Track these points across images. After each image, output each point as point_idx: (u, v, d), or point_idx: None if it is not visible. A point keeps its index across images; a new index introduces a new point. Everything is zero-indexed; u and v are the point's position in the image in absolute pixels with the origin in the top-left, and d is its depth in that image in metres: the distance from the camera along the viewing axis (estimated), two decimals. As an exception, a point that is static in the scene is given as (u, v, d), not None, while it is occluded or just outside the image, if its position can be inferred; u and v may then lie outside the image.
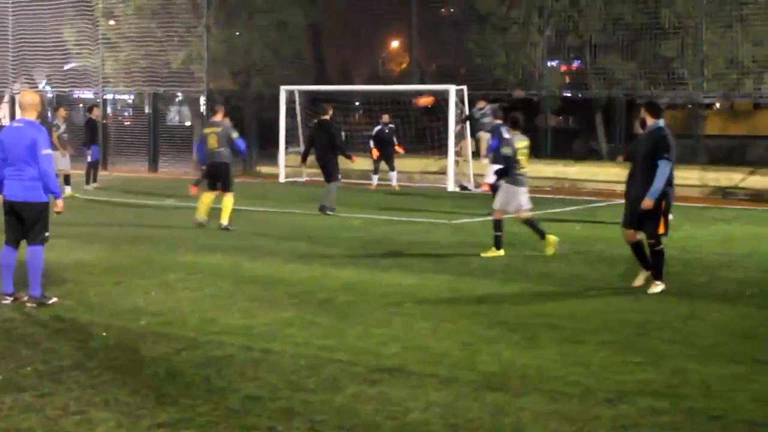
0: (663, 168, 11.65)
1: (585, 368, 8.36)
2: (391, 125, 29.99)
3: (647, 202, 11.68)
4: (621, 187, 29.00)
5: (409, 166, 31.64)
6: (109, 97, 41.67)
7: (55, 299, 10.84)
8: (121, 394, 7.44)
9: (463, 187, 29.18)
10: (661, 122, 11.97)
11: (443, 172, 29.53)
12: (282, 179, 32.04)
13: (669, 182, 11.89)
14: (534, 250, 15.77)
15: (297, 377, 7.98)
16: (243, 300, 11.23)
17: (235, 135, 18.73)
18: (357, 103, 39.41)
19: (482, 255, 15.03)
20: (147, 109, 38.76)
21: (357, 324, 9.98)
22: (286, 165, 32.28)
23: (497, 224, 15.20)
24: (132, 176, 33.93)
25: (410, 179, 31.09)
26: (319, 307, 10.89)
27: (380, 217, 20.82)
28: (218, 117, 18.97)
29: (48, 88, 39.90)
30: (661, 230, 11.94)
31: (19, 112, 11.25)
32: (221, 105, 20.14)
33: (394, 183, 29.12)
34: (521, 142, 15.11)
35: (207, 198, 18.56)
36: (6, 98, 42.84)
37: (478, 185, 29.65)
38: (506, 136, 15.76)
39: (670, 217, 13.23)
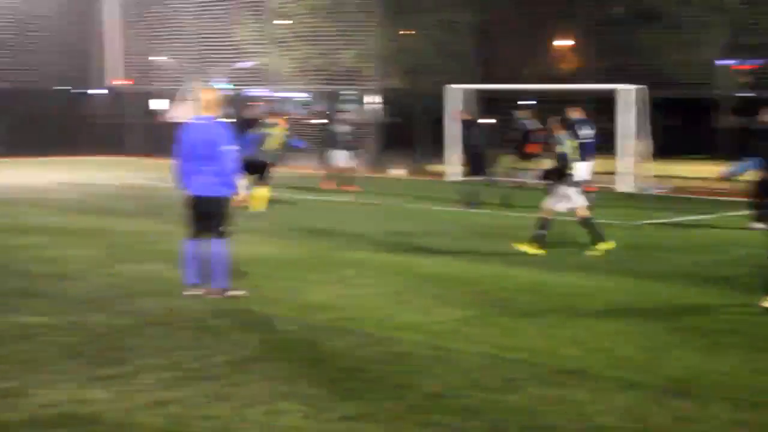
0: None
1: (774, 377, 8.14)
2: (526, 121, 29.47)
3: None
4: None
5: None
6: (283, 95, 42.48)
7: (240, 292, 11.12)
8: (306, 386, 7.59)
9: (642, 189, 28.63)
10: None
11: (618, 173, 29.01)
12: (450, 177, 32.05)
13: None
14: (719, 253, 15.38)
15: (478, 376, 7.99)
16: (421, 297, 11.31)
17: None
18: (524, 103, 39.12)
19: (515, 246, 15.11)
20: (319, 107, 39.38)
21: (537, 324, 9.93)
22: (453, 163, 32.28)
23: (544, 223, 15.19)
24: (307, 173, 34.48)
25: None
26: (499, 306, 10.87)
27: (559, 218, 20.59)
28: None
29: (225, 86, 40.94)
30: None
31: (199, 110, 11.45)
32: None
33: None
34: (572, 142, 15.24)
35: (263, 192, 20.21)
36: (184, 97, 44.15)
37: (656, 186, 29.10)
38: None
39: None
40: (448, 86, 33.06)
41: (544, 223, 15.15)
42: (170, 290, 11.37)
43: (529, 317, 10.29)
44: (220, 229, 11.00)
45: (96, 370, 7.89)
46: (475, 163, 22.37)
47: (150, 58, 43.80)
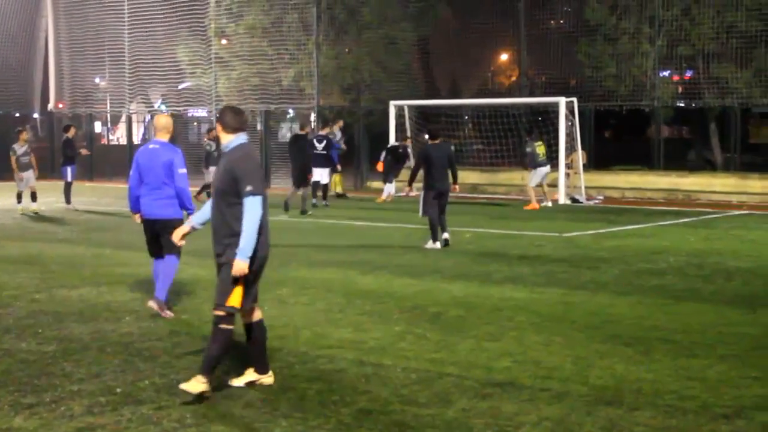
0: (253, 209, 7.74)
1: (701, 382, 8.22)
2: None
3: (239, 265, 7.75)
4: (738, 198, 28.72)
5: (520, 179, 31.47)
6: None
7: (171, 314, 11.09)
8: (236, 407, 7.56)
9: (575, 200, 28.97)
10: (243, 137, 8.11)
11: (554, 184, 29.31)
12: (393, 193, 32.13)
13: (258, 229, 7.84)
14: (649, 262, 15.56)
15: (408, 391, 8.00)
16: (354, 314, 11.31)
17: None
18: (466, 117, 39.40)
19: None
20: (259, 127, 39.32)
21: (468, 338, 9.97)
22: (396, 180, 32.38)
23: None
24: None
25: (521, 192, 30.93)
26: (430, 321, 10.90)
27: (491, 231, 20.77)
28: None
29: (163, 107, 40.80)
30: (234, 302, 7.92)
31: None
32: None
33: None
34: None
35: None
36: (123, 118, 43.96)
37: (589, 197, 29.42)
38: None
39: None
40: (391, 102, 33.22)
41: None
42: (101, 315, 11.29)
43: (461, 331, 10.33)
44: (173, 247, 10.95)
45: (22, 398, 7.79)
46: None
47: (91, 81, 43.60)
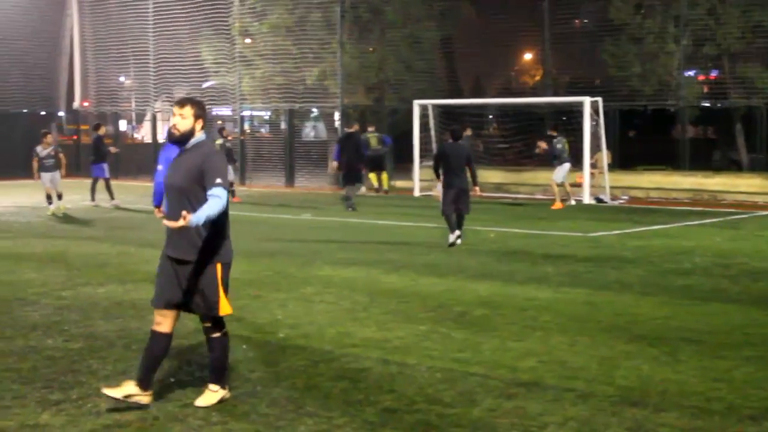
0: (220, 197, 7.26)
1: (727, 384, 8.18)
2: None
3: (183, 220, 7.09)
4: (764, 199, 28.59)
5: (544, 178, 31.39)
6: (246, 113, 42.47)
7: None
8: (261, 405, 7.57)
9: (599, 200, 28.87)
10: (203, 135, 7.59)
11: (579, 184, 29.22)
12: (417, 193, 32.13)
13: (222, 233, 7.78)
14: (675, 263, 15.50)
15: (433, 390, 8.00)
16: (379, 313, 11.32)
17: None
18: (490, 117, 39.35)
19: None
20: (283, 125, 39.39)
21: (493, 338, 9.96)
22: (420, 179, 32.38)
23: None
24: (269, 191, 34.49)
25: (545, 191, 30.87)
26: (455, 320, 10.90)
27: (515, 230, 20.73)
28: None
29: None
30: (225, 309, 7.61)
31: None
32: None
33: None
34: None
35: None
36: (148, 116, 44.11)
37: (614, 197, 29.31)
38: None
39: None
40: (415, 101, 33.20)
41: None
42: (126, 312, 11.35)
43: (485, 331, 10.32)
44: None
45: (49, 395, 7.84)
46: None
47: (116, 79, 43.80)
